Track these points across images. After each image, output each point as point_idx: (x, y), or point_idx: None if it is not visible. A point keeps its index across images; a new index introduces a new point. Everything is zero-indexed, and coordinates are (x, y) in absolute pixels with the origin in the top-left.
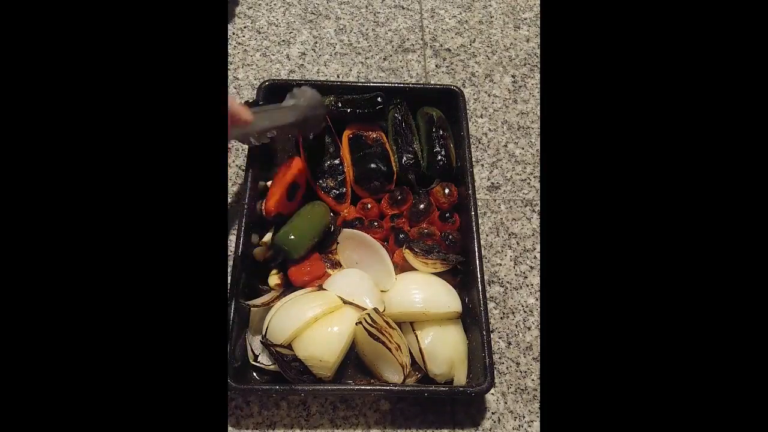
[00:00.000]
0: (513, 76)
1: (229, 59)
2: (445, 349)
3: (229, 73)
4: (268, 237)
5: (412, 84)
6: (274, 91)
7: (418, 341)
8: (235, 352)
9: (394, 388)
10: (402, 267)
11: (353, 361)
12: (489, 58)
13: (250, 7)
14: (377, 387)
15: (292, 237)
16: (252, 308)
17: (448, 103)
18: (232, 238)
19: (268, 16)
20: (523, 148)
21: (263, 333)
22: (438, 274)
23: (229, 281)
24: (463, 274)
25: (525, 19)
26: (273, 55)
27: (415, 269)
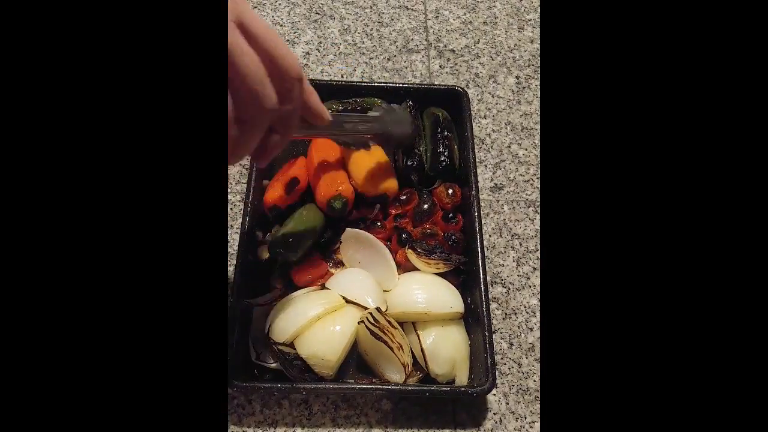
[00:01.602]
0: (517, 77)
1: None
2: (446, 350)
3: None
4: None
5: (417, 84)
6: None
7: (419, 341)
8: (237, 350)
9: (395, 387)
10: (404, 267)
11: (355, 361)
12: (493, 59)
13: (255, 7)
14: (379, 386)
15: (291, 240)
16: (254, 307)
17: (453, 103)
18: (235, 236)
19: (273, 16)
20: (526, 149)
21: (266, 331)
22: (440, 275)
23: (232, 279)
24: (465, 274)
25: (529, 20)
26: None
27: (418, 269)
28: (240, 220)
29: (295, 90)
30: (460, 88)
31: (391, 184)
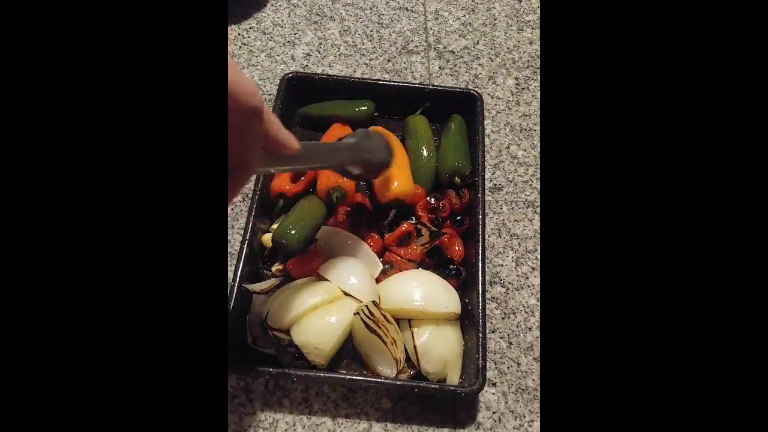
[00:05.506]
0: (516, 78)
1: (235, 59)
2: (439, 349)
3: None
4: (276, 225)
5: (432, 86)
6: (296, 84)
7: (413, 338)
8: (234, 334)
9: (385, 381)
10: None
11: (349, 353)
12: (492, 60)
13: (255, 8)
14: (369, 379)
15: (293, 231)
16: (254, 293)
17: (466, 106)
18: (241, 223)
19: (274, 17)
20: (525, 150)
21: (264, 317)
22: (440, 275)
23: (234, 265)
24: (465, 276)
25: (528, 21)
26: (278, 55)
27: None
28: (247, 208)
29: (251, 124)
30: (475, 91)
31: (405, 188)
